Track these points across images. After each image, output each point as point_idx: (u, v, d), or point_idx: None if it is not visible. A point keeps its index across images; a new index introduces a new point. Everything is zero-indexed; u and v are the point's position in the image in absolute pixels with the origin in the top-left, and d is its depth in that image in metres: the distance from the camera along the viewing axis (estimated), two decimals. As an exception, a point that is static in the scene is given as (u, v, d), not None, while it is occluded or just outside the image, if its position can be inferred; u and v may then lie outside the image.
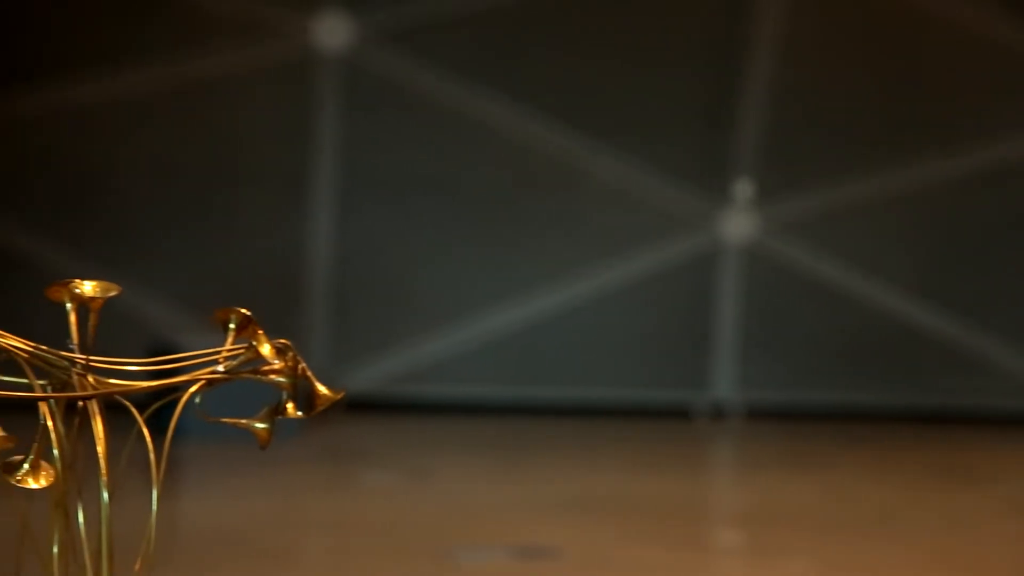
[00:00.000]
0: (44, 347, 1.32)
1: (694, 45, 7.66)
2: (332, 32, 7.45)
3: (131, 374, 1.36)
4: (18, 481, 1.26)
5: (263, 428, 1.40)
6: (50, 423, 1.28)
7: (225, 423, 1.39)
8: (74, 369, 1.33)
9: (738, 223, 7.77)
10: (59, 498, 1.29)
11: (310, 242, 7.54)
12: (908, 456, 6.90)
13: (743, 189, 7.73)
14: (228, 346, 1.39)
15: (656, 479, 6.05)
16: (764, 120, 7.65)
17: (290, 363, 1.39)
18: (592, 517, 5.14)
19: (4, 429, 1.34)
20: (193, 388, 1.36)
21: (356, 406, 6.76)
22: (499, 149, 7.61)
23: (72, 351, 1.34)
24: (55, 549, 1.30)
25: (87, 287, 1.35)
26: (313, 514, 5.20)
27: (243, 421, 1.40)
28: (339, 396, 1.42)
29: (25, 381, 1.34)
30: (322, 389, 1.42)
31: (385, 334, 7.46)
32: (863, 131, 7.86)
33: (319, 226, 7.54)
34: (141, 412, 1.37)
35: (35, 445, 1.28)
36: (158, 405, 1.38)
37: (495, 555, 4.57)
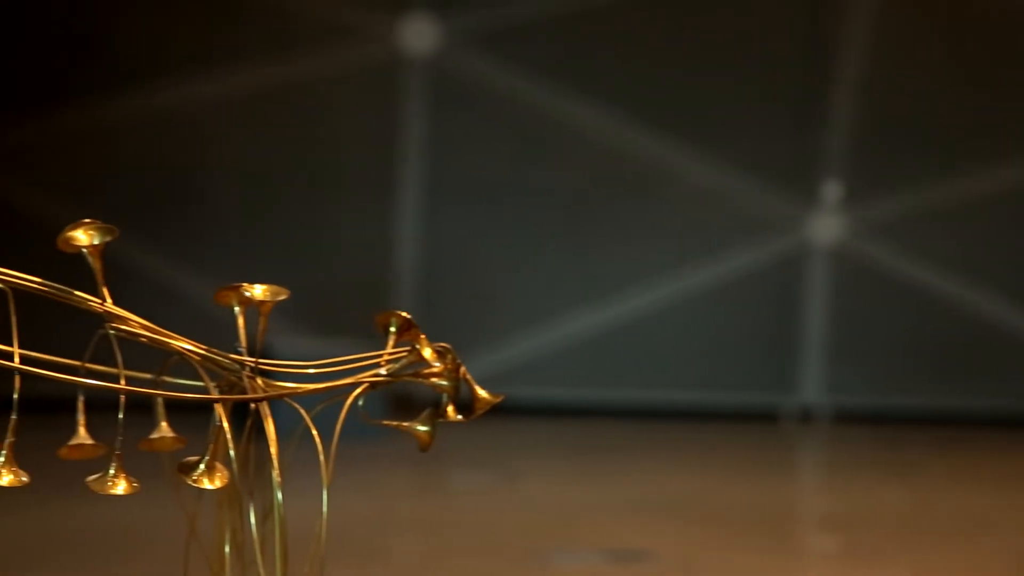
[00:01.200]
0: (216, 350, 1.34)
1: (782, 45, 7.61)
2: (419, 35, 7.49)
3: (299, 376, 1.38)
4: (194, 481, 1.28)
5: (425, 431, 1.41)
6: (225, 424, 1.30)
7: (387, 425, 1.40)
8: (244, 371, 1.35)
9: (826, 225, 7.71)
10: (232, 498, 1.31)
11: (397, 244, 7.59)
12: (1001, 461, 6.80)
13: (831, 190, 7.67)
14: (389, 349, 1.40)
15: (746, 483, 6.01)
16: (853, 121, 7.58)
17: (450, 366, 1.40)
18: (685, 521, 5.12)
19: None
20: (357, 391, 1.38)
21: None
22: (585, 151, 7.61)
23: (240, 354, 1.36)
24: (227, 549, 1.33)
25: (257, 291, 1.38)
26: (406, 514, 5.23)
27: (405, 424, 1.41)
28: (499, 399, 1.43)
29: (194, 383, 1.36)
30: (481, 392, 1.43)
31: (472, 336, 7.48)
32: (953, 131, 7.76)
33: (405, 228, 7.59)
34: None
35: (211, 446, 1.30)
36: (322, 406, 1.40)
37: (589, 558, 4.57)
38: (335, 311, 7.25)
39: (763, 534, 5.00)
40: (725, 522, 5.11)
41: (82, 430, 1.34)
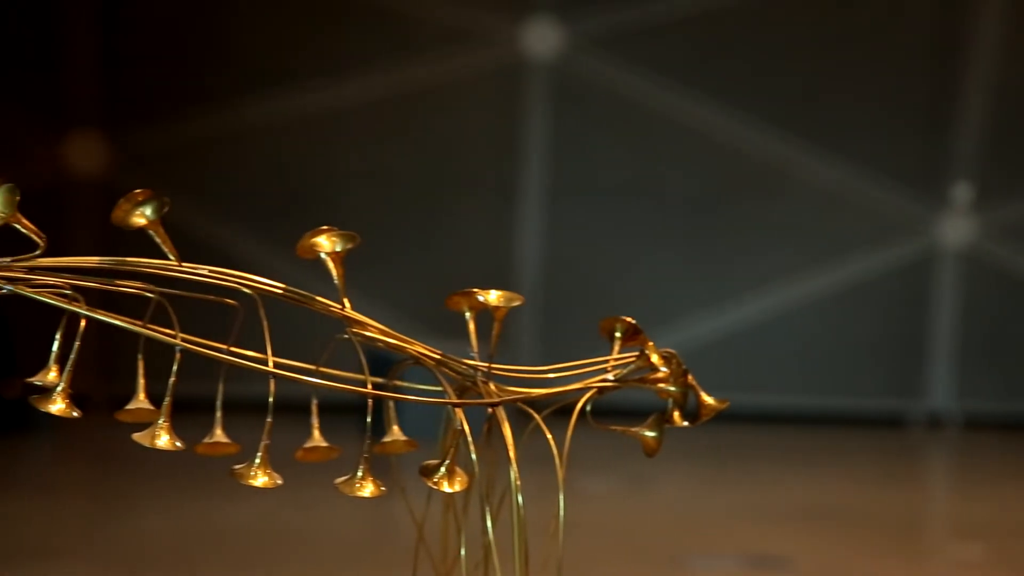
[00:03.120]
0: (451, 356, 1.36)
1: (911, 45, 7.50)
2: (541, 39, 7.51)
3: (530, 381, 1.39)
4: (435, 484, 1.30)
5: (652, 436, 1.41)
6: (466, 428, 1.31)
7: (614, 430, 1.41)
8: (477, 376, 1.36)
9: (956, 227, 7.58)
10: (461, 500, 1.32)
11: (518, 247, 7.61)
12: None
13: (961, 192, 7.54)
14: (615, 355, 1.40)
15: (878, 489, 5.93)
16: (983, 121, 7.44)
17: (676, 372, 1.40)
18: (820, 527, 5.06)
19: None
20: (586, 396, 1.38)
21: (565, 411, 6.80)
22: (708, 153, 7.57)
23: (472, 359, 1.38)
24: (463, 552, 1.34)
25: (492, 296, 1.39)
26: (536, 517, 5.23)
27: (632, 429, 1.41)
28: (724, 406, 1.43)
29: (426, 388, 1.38)
30: (707, 399, 1.43)
31: (594, 338, 7.47)
32: (1085, 132, 7.59)
33: (527, 231, 7.61)
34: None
35: (452, 449, 1.31)
36: (552, 409, 1.41)
37: (726, 563, 4.53)
38: (457, 314, 7.29)
39: (900, 541, 4.92)
40: (863, 529, 5.05)
41: (316, 433, 1.36)
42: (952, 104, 7.49)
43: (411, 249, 7.62)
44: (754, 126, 7.53)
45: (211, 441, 1.33)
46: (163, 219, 1.36)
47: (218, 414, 1.34)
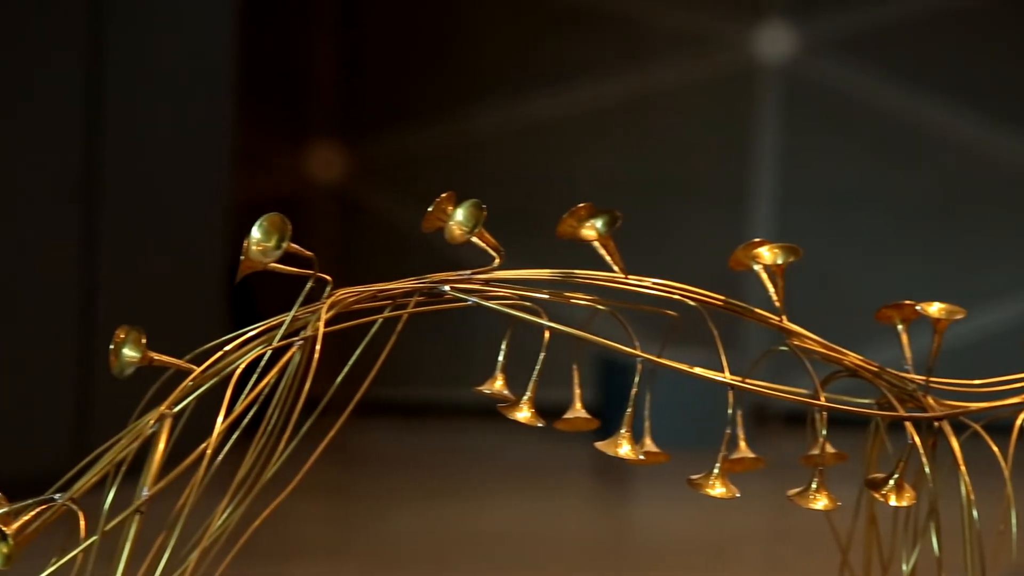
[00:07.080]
0: (890, 369, 1.35)
1: None
2: (774, 42, 7.42)
3: (969, 395, 1.37)
4: (883, 497, 1.29)
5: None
6: (918, 441, 1.30)
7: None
8: (915, 389, 1.34)
9: None
10: (877, 519, 1.30)
11: (747, 253, 7.53)
12: None
13: None
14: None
15: None
16: None
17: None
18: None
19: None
20: (1025, 411, 1.35)
21: (794, 419, 6.71)
22: (945, 158, 7.37)
23: (907, 371, 1.36)
24: (904, 567, 1.32)
25: (932, 308, 1.37)
26: (752, 526, 5.14)
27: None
28: None
29: (850, 399, 1.37)
30: None
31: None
32: None
33: (757, 237, 7.53)
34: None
35: (901, 463, 1.30)
36: (986, 421, 1.38)
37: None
38: (682, 322, 7.24)
39: None
40: None
41: (743, 444, 1.36)
42: None
43: (639, 256, 7.61)
44: (991, 128, 7.30)
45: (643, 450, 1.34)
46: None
47: (646, 423, 1.35)
